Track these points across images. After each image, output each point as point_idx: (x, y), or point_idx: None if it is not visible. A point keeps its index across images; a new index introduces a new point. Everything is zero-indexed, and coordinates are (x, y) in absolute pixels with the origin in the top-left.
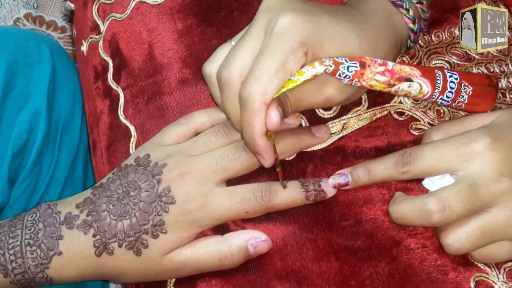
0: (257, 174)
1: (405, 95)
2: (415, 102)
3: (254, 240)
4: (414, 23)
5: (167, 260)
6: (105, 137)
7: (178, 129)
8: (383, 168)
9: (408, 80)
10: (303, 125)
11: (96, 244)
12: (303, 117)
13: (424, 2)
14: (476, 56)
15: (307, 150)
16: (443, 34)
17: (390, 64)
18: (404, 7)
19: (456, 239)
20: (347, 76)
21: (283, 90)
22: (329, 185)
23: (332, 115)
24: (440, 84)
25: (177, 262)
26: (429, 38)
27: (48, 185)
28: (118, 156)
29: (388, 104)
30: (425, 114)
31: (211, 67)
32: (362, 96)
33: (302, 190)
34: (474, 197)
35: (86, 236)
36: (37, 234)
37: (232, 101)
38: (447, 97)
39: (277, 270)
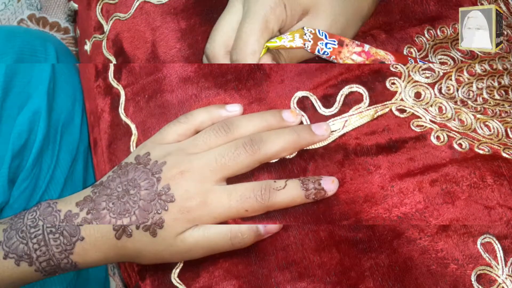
0: (257, 173)
1: None
2: (417, 99)
3: None
4: None
5: (179, 240)
6: (106, 135)
7: (178, 128)
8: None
9: (382, 63)
10: (304, 122)
11: (115, 228)
12: (303, 114)
13: None
14: (479, 53)
15: (308, 148)
16: (448, 29)
17: (367, 46)
18: None
19: None
20: (325, 53)
21: (268, 45)
22: (329, 183)
23: (333, 113)
24: None
25: (190, 242)
26: (434, 32)
27: (48, 184)
28: (118, 154)
29: (389, 102)
30: (426, 111)
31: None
32: (363, 93)
33: (302, 188)
34: None
35: None
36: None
37: None
38: None
39: (279, 260)
